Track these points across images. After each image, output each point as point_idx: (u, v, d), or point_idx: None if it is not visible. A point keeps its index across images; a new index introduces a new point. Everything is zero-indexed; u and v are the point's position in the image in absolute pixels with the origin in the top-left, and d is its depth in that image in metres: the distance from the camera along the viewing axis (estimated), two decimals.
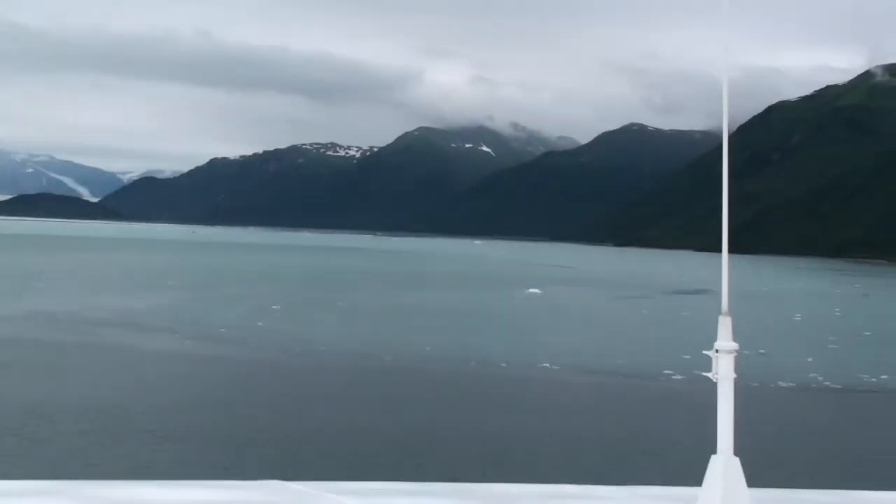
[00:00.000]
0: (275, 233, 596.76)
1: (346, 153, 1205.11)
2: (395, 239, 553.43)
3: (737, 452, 6.80)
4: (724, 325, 6.91)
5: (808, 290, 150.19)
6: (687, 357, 50.68)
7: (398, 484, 9.70)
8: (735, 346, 6.82)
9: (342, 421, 36.23)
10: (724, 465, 6.71)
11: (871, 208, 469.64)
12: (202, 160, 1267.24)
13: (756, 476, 7.54)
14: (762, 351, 62.64)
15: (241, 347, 56.74)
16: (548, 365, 52.69)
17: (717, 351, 6.87)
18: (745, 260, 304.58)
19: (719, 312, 6.91)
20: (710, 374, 6.85)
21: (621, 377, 50.23)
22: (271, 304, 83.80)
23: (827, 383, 49.91)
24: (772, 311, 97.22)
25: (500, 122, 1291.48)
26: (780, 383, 49.18)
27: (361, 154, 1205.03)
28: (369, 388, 45.13)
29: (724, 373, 6.81)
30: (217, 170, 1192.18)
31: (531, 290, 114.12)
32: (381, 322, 74.98)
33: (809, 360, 58.82)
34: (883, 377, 52.28)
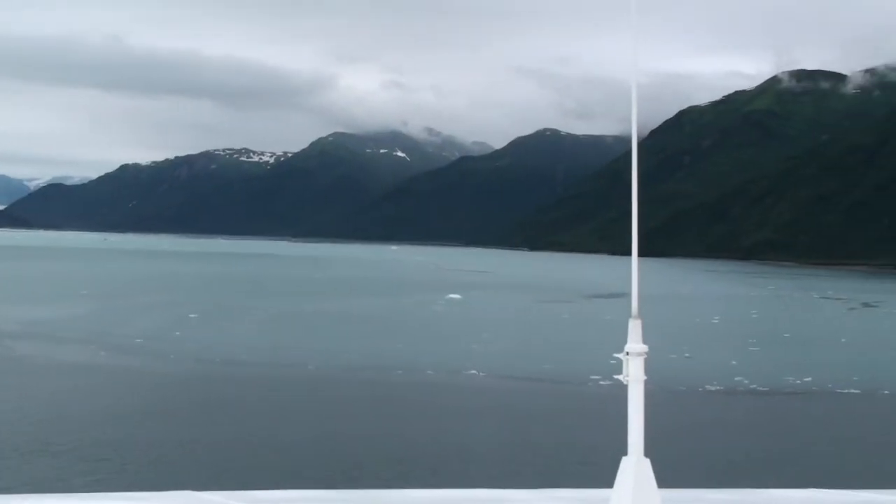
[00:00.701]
0: (188, 239, 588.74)
1: (260, 159, 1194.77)
2: (310, 245, 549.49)
3: (649, 454, 6.88)
4: (634, 328, 6.98)
5: (724, 293, 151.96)
6: (604, 360, 50.07)
7: (312, 492, 9.64)
8: (644, 348, 6.89)
9: (259, 430, 35.54)
10: (635, 467, 6.78)
11: (779, 211, 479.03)
12: (112, 166, 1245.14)
13: (668, 477, 7.75)
14: (687, 354, 62.98)
15: (157, 358, 55.10)
16: (474, 371, 52.09)
17: (627, 354, 6.94)
18: (660, 263, 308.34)
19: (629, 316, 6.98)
20: (620, 377, 6.92)
21: (540, 382, 49.87)
22: (188, 313, 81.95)
23: (748, 385, 50.01)
24: (692, 315, 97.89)
25: (415, 127, 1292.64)
26: (707, 386, 49.22)
27: (275, 160, 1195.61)
28: (289, 398, 44.09)
29: (634, 375, 6.88)
30: (128, 176, 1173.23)
31: (452, 296, 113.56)
32: (302, 330, 73.73)
33: (733, 362, 59.01)
34: (806, 379, 52.53)
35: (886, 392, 50.00)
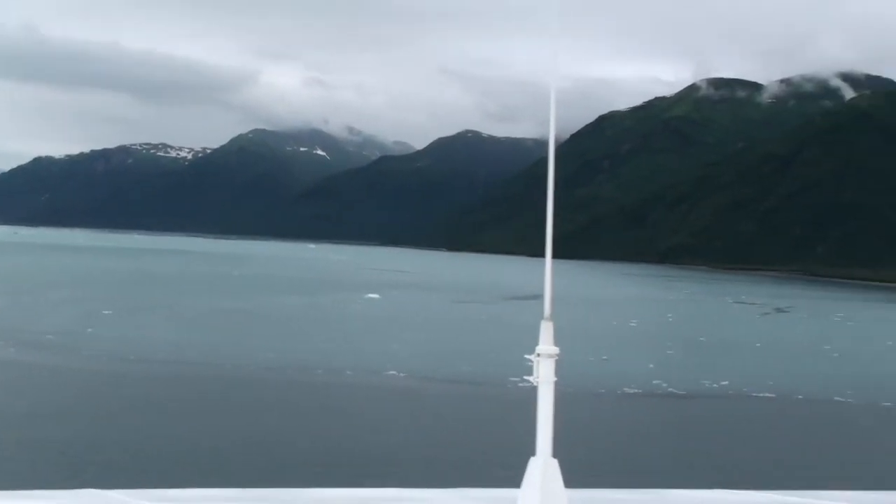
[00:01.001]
0: (104, 234, 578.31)
1: (178, 154, 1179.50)
2: (228, 241, 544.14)
3: (558, 455, 6.93)
4: (546, 330, 7.02)
5: (641, 296, 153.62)
6: (519, 362, 49.93)
7: (217, 490, 9.48)
8: (556, 350, 6.92)
9: (173, 429, 35.13)
10: (543, 467, 6.88)
11: (695, 217, 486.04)
12: (25, 159, 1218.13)
13: (577, 477, 7.90)
14: (604, 357, 63.35)
15: (69, 355, 53.81)
16: (393, 372, 51.81)
17: (538, 355, 6.97)
18: (577, 266, 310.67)
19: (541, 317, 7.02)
20: (531, 378, 6.95)
21: (456, 383, 49.92)
22: (101, 309, 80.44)
23: (664, 387, 50.46)
24: (610, 318, 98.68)
25: (336, 125, 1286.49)
26: (625, 388, 49.52)
27: (193, 155, 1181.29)
28: (206, 397, 43.43)
29: (544, 376, 6.92)
30: (41, 169, 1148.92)
31: (371, 295, 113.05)
32: (219, 328, 72.70)
33: (651, 365, 59.53)
34: (723, 382, 53.13)
35: (800, 397, 50.71)
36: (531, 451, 6.90)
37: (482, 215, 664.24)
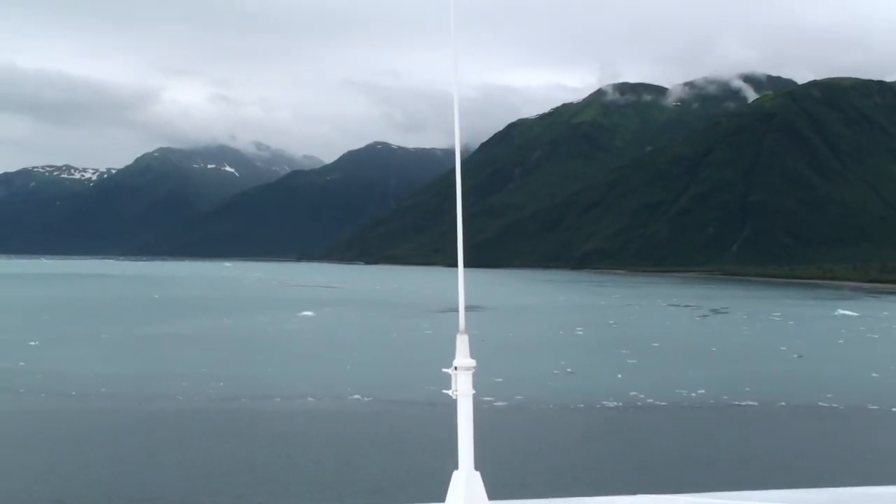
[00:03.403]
0: (9, 260, 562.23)
1: (82, 176, 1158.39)
2: (140, 263, 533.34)
3: (486, 468, 6.99)
4: (462, 343, 7.11)
5: (575, 302, 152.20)
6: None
7: None
8: (472, 363, 6.98)
9: (123, 470, 32.46)
10: (466, 480, 6.90)
11: (608, 221, 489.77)
12: None
13: (500, 489, 7.94)
14: (569, 369, 61.13)
15: (5, 392, 49.74)
16: (357, 396, 48.84)
17: (455, 368, 7.03)
18: (497, 274, 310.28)
19: (457, 331, 7.02)
20: (449, 392, 6.98)
21: (400, 401, 47.46)
22: (27, 340, 75.79)
23: (642, 397, 48.32)
24: (556, 326, 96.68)
25: (243, 141, 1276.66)
26: (604, 402, 47.30)
27: (98, 176, 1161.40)
28: (157, 431, 40.03)
29: (462, 389, 7.01)
30: None
31: (305, 313, 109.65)
32: (157, 356, 68.59)
33: (619, 375, 57.51)
34: (699, 391, 51.17)
35: (782, 403, 48.91)
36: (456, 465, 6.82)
37: (396, 226, 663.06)
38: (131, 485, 30.96)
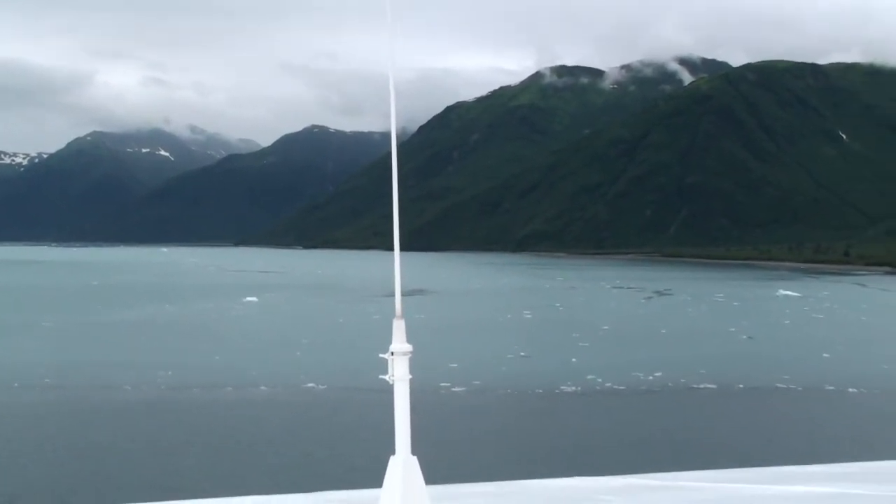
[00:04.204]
0: None
1: (13, 161, 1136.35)
2: (74, 249, 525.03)
3: (429, 453, 7.09)
4: (398, 328, 7.13)
5: (518, 285, 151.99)
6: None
7: None
8: (409, 347, 7.03)
9: (76, 462, 31.71)
10: (403, 465, 6.96)
11: (547, 203, 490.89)
12: None
13: (438, 474, 8.04)
14: (523, 353, 60.64)
15: None
16: (311, 384, 47.87)
17: (392, 353, 7.07)
18: (438, 257, 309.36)
19: (393, 315, 7.05)
20: (385, 377, 6.99)
21: (348, 387, 46.83)
22: None
23: (602, 382, 47.95)
24: (502, 310, 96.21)
25: (178, 125, 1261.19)
26: (562, 387, 46.83)
27: (29, 161, 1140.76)
28: (107, 423, 38.87)
29: (399, 374, 7.03)
30: None
31: (249, 299, 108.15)
32: (103, 345, 66.87)
33: (574, 360, 57.12)
34: (657, 374, 50.91)
35: (741, 386, 48.79)
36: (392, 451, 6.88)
37: (333, 210, 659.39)
38: (83, 477, 30.04)
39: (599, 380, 49.09)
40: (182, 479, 29.48)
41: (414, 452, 6.92)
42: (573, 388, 46.96)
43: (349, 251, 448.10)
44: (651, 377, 50.21)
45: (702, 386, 48.02)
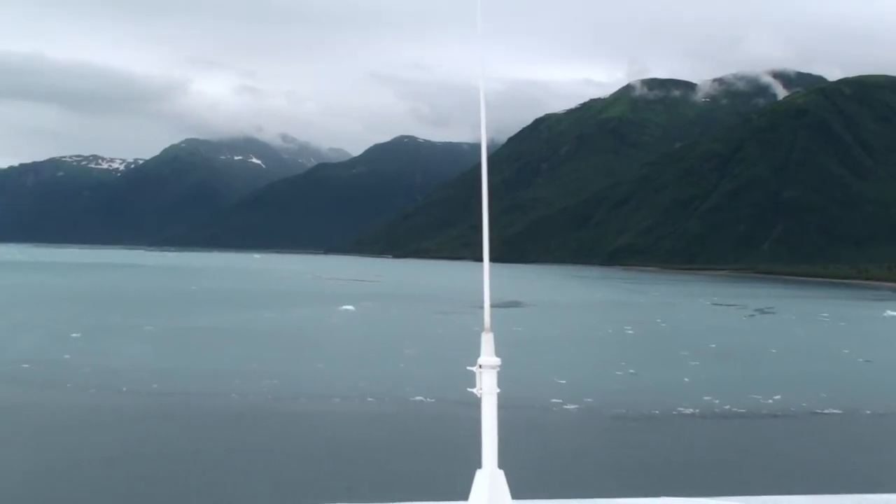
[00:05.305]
0: (38, 249, 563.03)
1: (110, 166, 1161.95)
2: (169, 253, 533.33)
3: (504, 466, 6.86)
4: (487, 342, 7.16)
5: (614, 300, 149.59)
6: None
7: None
8: (497, 361, 7.02)
9: (185, 473, 30.90)
10: (489, 479, 6.91)
11: (639, 217, 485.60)
12: None
13: (524, 488, 7.88)
14: (632, 371, 58.96)
15: (54, 389, 47.97)
16: (420, 397, 46.82)
17: (480, 367, 7.06)
18: (528, 269, 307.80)
19: (481, 329, 7.00)
20: (474, 390, 6.89)
21: (456, 401, 45.31)
22: (69, 332, 74.22)
23: (718, 403, 46.09)
24: (604, 324, 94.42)
25: (270, 133, 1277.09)
26: (681, 408, 45.13)
27: (126, 167, 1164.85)
28: (215, 432, 38.40)
29: (487, 388, 7.00)
30: None
31: (345, 307, 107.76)
32: (206, 350, 66.76)
33: (686, 379, 55.29)
34: (776, 397, 48.88)
35: (867, 412, 46.58)
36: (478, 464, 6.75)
37: (423, 220, 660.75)
38: (193, 485, 29.50)
39: (717, 401, 47.21)
40: (287, 487, 29.01)
41: (504, 466, 6.75)
42: (690, 409, 45.17)
43: (438, 261, 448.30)
44: (770, 400, 48.16)
45: (826, 411, 45.90)
